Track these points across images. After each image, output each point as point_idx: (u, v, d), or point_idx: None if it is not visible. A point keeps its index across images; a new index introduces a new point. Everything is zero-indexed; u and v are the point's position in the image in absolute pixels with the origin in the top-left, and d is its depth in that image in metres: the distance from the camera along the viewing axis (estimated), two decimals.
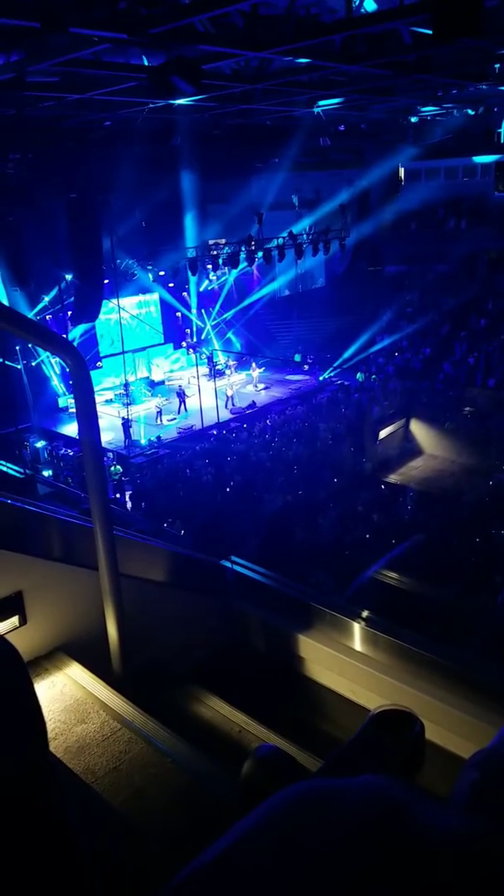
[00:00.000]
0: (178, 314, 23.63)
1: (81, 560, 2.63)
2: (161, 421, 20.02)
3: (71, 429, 19.02)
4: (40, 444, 17.62)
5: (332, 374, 23.46)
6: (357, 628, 3.35)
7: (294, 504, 14.36)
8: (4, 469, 4.60)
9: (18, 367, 18.46)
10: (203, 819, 1.96)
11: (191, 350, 23.79)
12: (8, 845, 0.83)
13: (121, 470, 17.70)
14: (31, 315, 18.48)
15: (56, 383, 20.06)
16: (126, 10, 9.03)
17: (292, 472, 16.34)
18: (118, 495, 15.77)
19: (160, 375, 22.77)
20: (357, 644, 3.39)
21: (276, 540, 10.99)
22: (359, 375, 22.60)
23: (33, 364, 19.20)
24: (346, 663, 3.32)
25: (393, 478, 17.87)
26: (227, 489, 15.63)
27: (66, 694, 2.52)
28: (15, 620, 2.51)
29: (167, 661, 3.00)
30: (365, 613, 3.40)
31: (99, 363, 21.46)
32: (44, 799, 0.92)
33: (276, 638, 3.37)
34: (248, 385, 22.96)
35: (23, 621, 2.56)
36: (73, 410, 19.05)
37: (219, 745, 2.72)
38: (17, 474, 4.40)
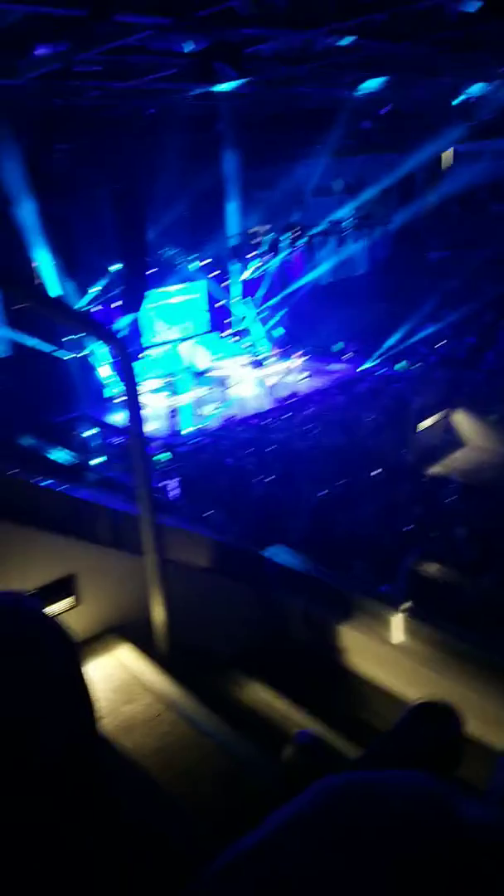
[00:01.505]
0: (221, 303, 23.62)
1: (129, 546, 2.64)
2: (204, 410, 20.12)
3: (118, 418, 19.26)
4: (89, 432, 17.90)
5: (373, 363, 23.17)
6: (397, 619, 3.31)
7: (334, 494, 14.29)
8: (55, 458, 4.66)
9: (67, 358, 18.76)
10: (244, 801, 1.95)
11: (234, 339, 23.79)
12: (52, 816, 0.86)
13: (169, 457, 17.89)
14: (78, 306, 18.75)
15: (104, 373, 20.32)
16: None
17: (333, 461, 16.24)
18: (165, 482, 15.95)
19: (204, 365, 22.85)
20: (397, 635, 3.34)
21: (316, 530, 10.96)
22: (400, 364, 22.25)
23: (81, 355, 19.48)
24: (385, 654, 3.28)
25: (434, 469, 17.58)
26: (269, 478, 15.63)
27: (114, 675, 2.55)
28: (69, 601, 2.55)
29: (210, 646, 3.00)
30: (405, 604, 3.35)
31: (143, 353, 21.64)
32: (88, 773, 0.95)
33: (316, 628, 3.35)
34: (290, 374, 22.85)
35: (76, 602, 2.60)
36: (122, 399, 19.32)
37: (260, 730, 2.72)
38: (69, 464, 4.45)
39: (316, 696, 3.15)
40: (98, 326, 2.26)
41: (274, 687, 2.96)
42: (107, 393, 20.30)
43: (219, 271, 22.01)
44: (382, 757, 1.32)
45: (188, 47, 11.09)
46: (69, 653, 1.01)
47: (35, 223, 16.03)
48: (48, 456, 4.17)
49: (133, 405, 2.36)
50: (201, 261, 20.40)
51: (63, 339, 18.49)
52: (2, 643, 0.93)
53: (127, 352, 2.28)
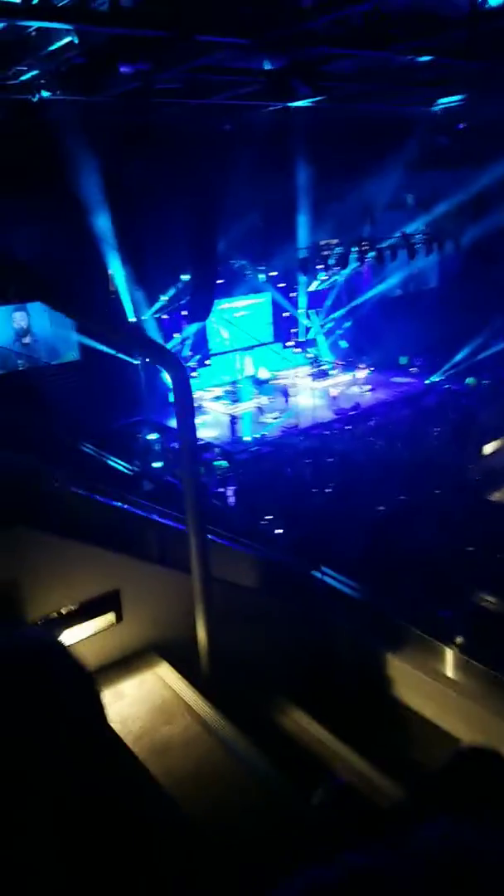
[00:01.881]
0: (287, 314, 23.63)
1: (176, 563, 2.65)
2: (265, 419, 20.14)
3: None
4: (152, 436, 18.17)
5: (440, 377, 22.66)
6: (449, 653, 3.18)
7: (393, 511, 13.99)
8: (114, 464, 4.74)
9: (136, 362, 19.13)
10: (273, 838, 1.90)
11: (297, 349, 23.75)
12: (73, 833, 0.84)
13: (226, 465, 17.96)
14: (149, 314, 19.15)
15: (168, 379, 20.61)
16: (249, 16, 9.10)
17: (394, 476, 15.93)
18: (222, 489, 16.03)
19: (266, 374, 22.89)
20: (448, 669, 3.21)
21: (371, 549, 10.69)
22: (469, 380, 21.69)
23: (148, 360, 19.81)
24: (434, 688, 3.16)
25: (498, 495, 16.94)
26: (326, 490, 15.48)
27: (154, 693, 2.54)
28: (112, 617, 2.56)
29: (254, 667, 2.96)
30: (459, 638, 3.22)
31: (208, 361, 21.85)
32: (116, 815, 0.93)
33: (364, 654, 3.26)
34: (353, 386, 22.60)
35: (119, 618, 2.60)
36: None
37: (298, 759, 2.66)
38: (126, 471, 4.51)
39: (359, 725, 3.07)
40: (154, 345, 2.27)
41: (316, 713, 2.89)
42: (172, 398, 20.60)
43: (285, 283, 22.04)
44: (422, 802, 1.25)
45: (266, 65, 11.18)
46: (88, 695, 0.99)
47: (111, 234, 16.45)
48: (108, 461, 4.25)
49: (185, 426, 2.36)
50: (269, 272, 20.47)
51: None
52: (18, 687, 0.92)
53: (183, 369, 2.29)
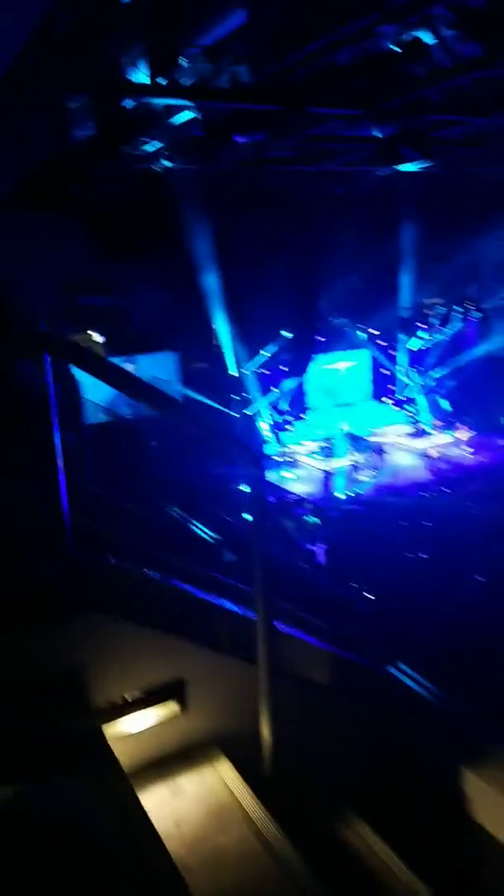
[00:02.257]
0: (387, 372, 23.38)
1: (243, 653, 2.53)
2: (360, 476, 19.77)
3: (274, 476, 19.51)
4: (245, 487, 18.23)
5: None
6: None
7: (492, 590, 13.11)
8: (199, 531, 4.73)
9: (235, 415, 19.46)
10: None
11: (396, 407, 23.35)
12: None
13: (318, 522, 17.70)
14: (249, 368, 19.53)
15: (265, 432, 20.78)
16: (362, 88, 9.27)
17: (496, 547, 15.05)
18: (312, 546, 15.77)
19: (363, 431, 22.60)
20: None
21: (460, 633, 9.91)
22: None
23: (247, 413, 20.10)
24: None
25: None
26: (421, 555, 14.83)
27: (213, 794, 2.42)
28: (175, 706, 2.48)
29: (320, 772, 2.77)
30: None
31: (304, 415, 21.88)
32: None
33: (442, 769, 2.98)
34: (454, 447, 21.86)
35: (183, 708, 2.51)
36: (280, 459, 19.65)
37: (361, 885, 2.42)
38: (208, 538, 4.49)
39: (431, 848, 2.78)
40: (228, 435, 2.22)
41: (384, 828, 2.65)
42: (268, 451, 20.70)
43: (386, 342, 21.89)
44: None
45: (376, 133, 11.32)
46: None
47: (217, 291, 17.03)
48: (190, 525, 4.24)
49: (259, 521, 2.28)
50: (370, 330, 20.44)
51: (232, 397, 19.25)
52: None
53: (259, 460, 2.22)
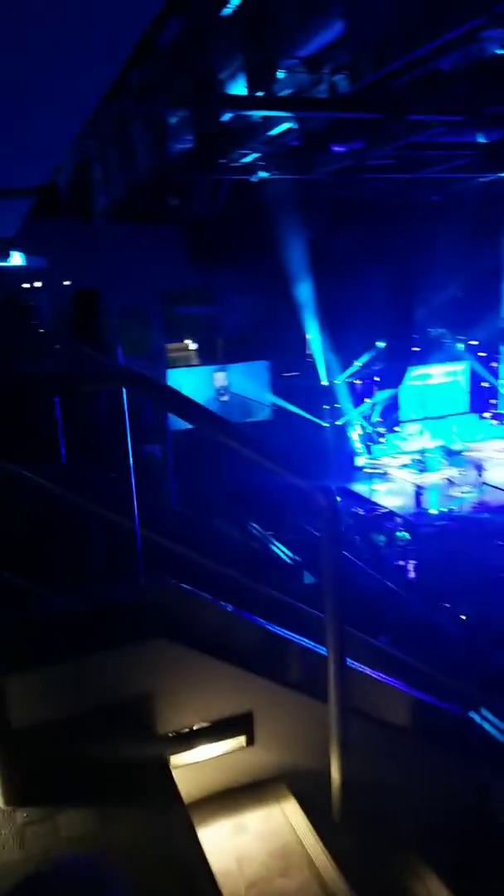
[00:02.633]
0: (486, 384, 22.50)
1: (313, 689, 2.45)
2: (455, 492, 19.12)
3: (363, 489, 19.22)
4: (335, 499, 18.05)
5: None
6: None
7: None
8: (279, 552, 4.68)
9: (325, 425, 19.33)
10: None
11: (495, 421, 22.42)
12: None
13: (408, 537, 17.28)
14: (341, 379, 19.35)
15: (356, 444, 20.51)
16: (465, 93, 8.97)
17: None
18: (402, 562, 15.40)
19: (459, 445, 21.86)
20: None
21: None
22: None
23: (338, 423, 19.93)
24: None
25: None
26: None
27: (277, 833, 2.34)
28: (243, 740, 2.43)
29: (390, 816, 2.64)
30: None
31: (397, 427, 21.42)
32: None
33: None
34: None
35: (250, 741, 2.46)
36: (370, 471, 19.33)
37: None
38: (288, 559, 4.43)
39: None
40: (300, 472, 2.15)
41: (457, 885, 2.47)
42: (358, 463, 20.39)
43: (486, 353, 21.06)
44: None
45: (479, 139, 10.94)
46: None
47: (311, 301, 16.99)
48: (271, 545, 4.20)
49: (334, 557, 2.19)
50: (468, 341, 19.74)
51: (325, 407, 19.13)
52: None
53: (334, 499, 2.14)
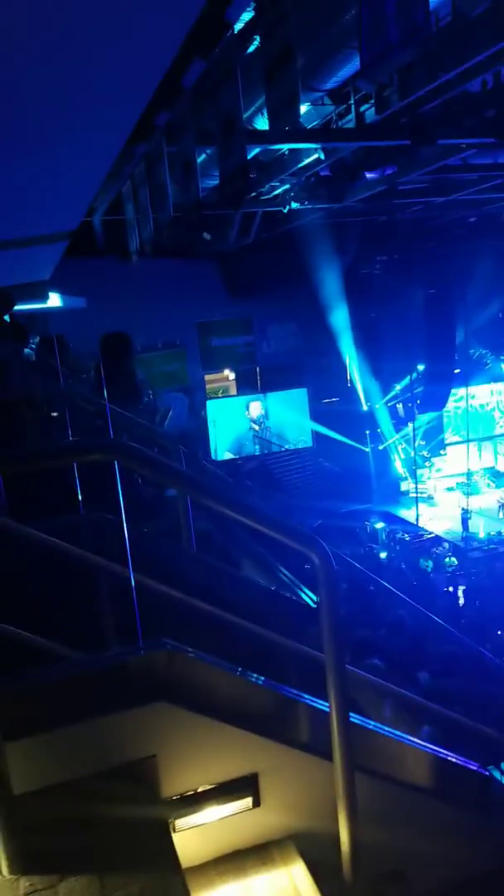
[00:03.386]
0: None
1: (322, 748, 2.42)
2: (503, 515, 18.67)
3: (409, 513, 18.95)
4: (379, 525, 17.86)
5: None
6: None
7: None
8: (304, 596, 4.63)
9: (367, 449, 19.20)
10: None
11: None
12: None
13: (455, 563, 16.91)
14: (381, 402, 19.23)
15: (400, 468, 20.29)
16: (494, 116, 8.93)
17: None
18: (450, 588, 15.06)
19: None
20: None
21: None
22: None
23: (380, 448, 19.77)
24: None
25: None
26: None
27: None
28: (249, 801, 2.40)
29: (405, 879, 2.55)
30: None
31: (443, 451, 21.11)
32: None
33: None
34: None
35: (256, 803, 2.43)
36: (414, 495, 19.04)
37: None
38: (311, 602, 4.37)
39: None
40: (294, 531, 2.13)
41: None
42: (403, 487, 20.12)
43: None
44: None
45: None
46: None
47: (348, 326, 17.01)
48: (299, 591, 4.14)
49: (333, 620, 2.17)
50: None
51: (366, 432, 19.02)
52: None
53: (329, 557, 2.12)
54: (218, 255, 15.46)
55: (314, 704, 2.43)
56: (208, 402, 18.05)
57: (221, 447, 17.60)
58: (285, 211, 12.64)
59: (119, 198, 11.48)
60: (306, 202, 12.36)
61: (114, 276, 14.50)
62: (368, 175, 11.02)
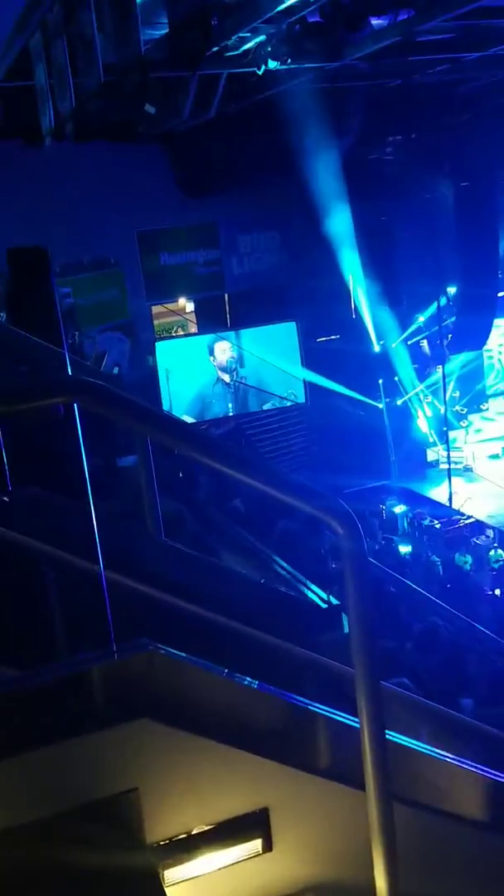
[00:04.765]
0: None
1: (348, 775, 2.62)
2: None
3: (439, 492, 19.23)
4: (399, 508, 18.13)
5: None
6: None
7: None
8: (315, 594, 4.84)
9: (380, 405, 19.36)
10: None
11: None
12: None
13: (503, 556, 17.35)
14: (398, 340, 19.37)
15: (425, 429, 20.49)
16: None
17: None
18: (497, 591, 15.49)
19: None
20: None
21: None
22: None
23: (398, 403, 19.94)
24: None
25: None
26: None
27: None
28: (258, 844, 2.58)
29: None
30: None
31: (484, 405, 21.38)
32: None
33: None
34: None
35: (267, 846, 2.62)
36: (446, 466, 19.32)
37: None
38: (322, 603, 4.57)
39: None
40: (311, 492, 2.28)
41: None
42: (430, 456, 20.39)
43: None
44: None
45: None
46: None
47: (350, 236, 17.01)
48: (304, 587, 4.31)
49: (362, 606, 2.36)
50: None
51: (379, 381, 19.11)
52: None
53: (357, 529, 2.30)
54: (167, 136, 15.33)
55: (339, 719, 2.63)
56: (158, 345, 17.99)
57: (178, 406, 17.60)
58: (260, 73, 12.61)
59: (25, 55, 11.36)
60: (289, 60, 12.35)
61: (20, 167, 14.36)
62: (375, 21, 11.05)
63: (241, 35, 11.68)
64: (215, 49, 11.44)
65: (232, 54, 12.12)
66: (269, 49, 11.98)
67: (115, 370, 17.06)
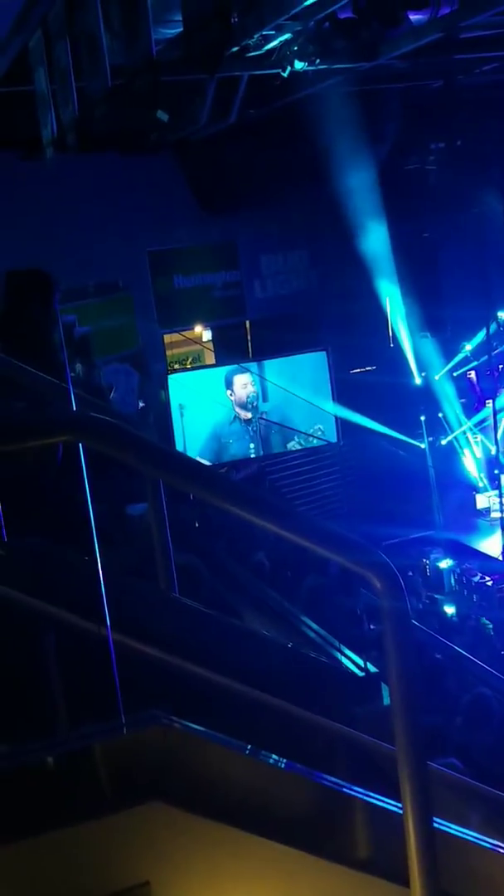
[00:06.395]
0: None
1: (386, 868, 2.59)
2: None
3: (491, 544, 19.11)
4: (445, 563, 18.03)
5: None
6: None
7: None
8: (350, 660, 4.81)
9: (422, 445, 19.34)
10: None
11: None
12: None
13: None
14: (444, 370, 19.38)
15: (474, 472, 20.42)
16: None
17: None
18: None
19: None
20: None
21: None
22: None
23: (443, 442, 19.92)
24: None
25: None
26: None
27: None
28: None
29: None
30: None
31: None
32: None
33: None
34: None
35: None
36: (498, 515, 19.21)
37: None
38: (358, 671, 4.54)
39: None
40: (350, 543, 2.28)
41: None
42: (481, 504, 20.29)
43: None
44: None
45: None
46: None
47: (387, 257, 17.09)
48: (336, 650, 4.28)
49: (404, 669, 2.35)
50: None
51: (421, 418, 19.11)
52: None
53: (399, 585, 2.30)
54: (181, 146, 15.54)
55: (379, 804, 2.61)
56: (170, 378, 18.05)
57: (193, 446, 17.60)
58: (285, 74, 12.79)
59: (24, 57, 11.62)
60: (317, 61, 12.54)
61: (17, 182, 14.56)
62: (413, 17, 11.21)
63: (264, 33, 11.85)
64: (235, 49, 11.62)
65: (254, 54, 12.29)
66: (296, 48, 12.15)
67: (140, 404, 17.08)
